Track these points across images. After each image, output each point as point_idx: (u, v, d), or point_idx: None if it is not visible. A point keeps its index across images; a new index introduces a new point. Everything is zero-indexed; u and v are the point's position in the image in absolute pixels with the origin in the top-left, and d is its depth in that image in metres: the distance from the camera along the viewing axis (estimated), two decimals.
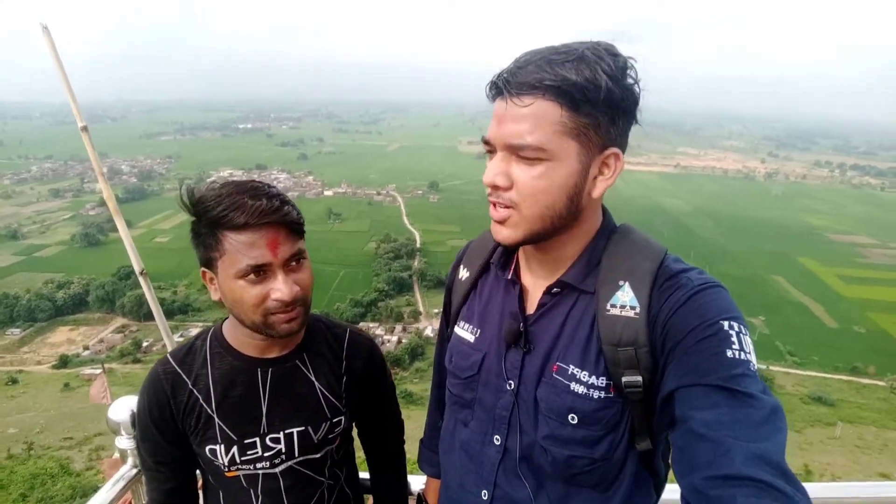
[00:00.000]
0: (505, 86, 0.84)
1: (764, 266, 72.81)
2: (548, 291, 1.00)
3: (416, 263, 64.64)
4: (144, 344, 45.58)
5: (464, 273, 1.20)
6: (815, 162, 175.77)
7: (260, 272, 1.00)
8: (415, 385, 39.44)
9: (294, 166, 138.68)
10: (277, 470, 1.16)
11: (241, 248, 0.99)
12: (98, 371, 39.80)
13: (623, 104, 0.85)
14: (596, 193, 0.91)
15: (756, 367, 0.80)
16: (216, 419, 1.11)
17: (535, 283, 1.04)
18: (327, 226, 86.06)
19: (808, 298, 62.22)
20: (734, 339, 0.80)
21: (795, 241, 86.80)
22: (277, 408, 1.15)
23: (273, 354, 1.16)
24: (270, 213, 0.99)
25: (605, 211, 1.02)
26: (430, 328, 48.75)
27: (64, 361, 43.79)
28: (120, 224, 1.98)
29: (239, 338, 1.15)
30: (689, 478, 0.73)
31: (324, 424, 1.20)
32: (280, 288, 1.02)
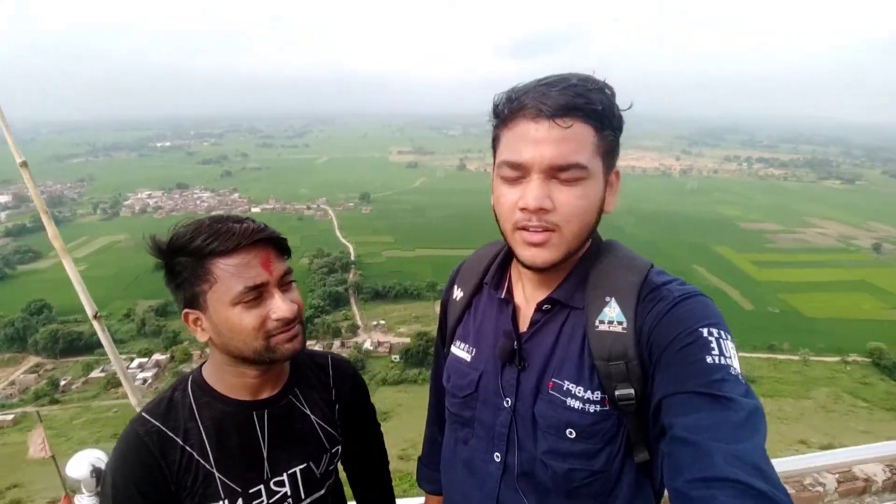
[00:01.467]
0: (543, 108, 0.85)
1: (684, 257, 76.52)
2: (539, 309, 1.02)
3: (351, 276, 63.41)
4: (62, 382, 41.98)
5: (458, 293, 1.22)
6: (724, 157, 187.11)
7: (257, 294, 0.97)
8: None
9: (218, 184, 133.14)
10: None
11: (234, 271, 0.95)
12: (11, 416, 36.55)
13: (622, 129, 0.93)
14: (609, 209, 0.97)
15: (738, 371, 0.81)
16: (216, 474, 1.03)
17: (528, 301, 1.06)
18: None
19: (725, 284, 65.72)
20: (713, 345, 0.82)
21: (711, 231, 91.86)
22: (278, 449, 1.10)
23: (266, 395, 1.11)
24: (259, 231, 0.98)
25: None
26: (368, 341, 47.96)
27: None
28: (68, 265, 1.80)
29: (227, 381, 1.08)
30: (673, 482, 0.75)
31: (324, 457, 1.18)
32: (280, 306, 0.99)
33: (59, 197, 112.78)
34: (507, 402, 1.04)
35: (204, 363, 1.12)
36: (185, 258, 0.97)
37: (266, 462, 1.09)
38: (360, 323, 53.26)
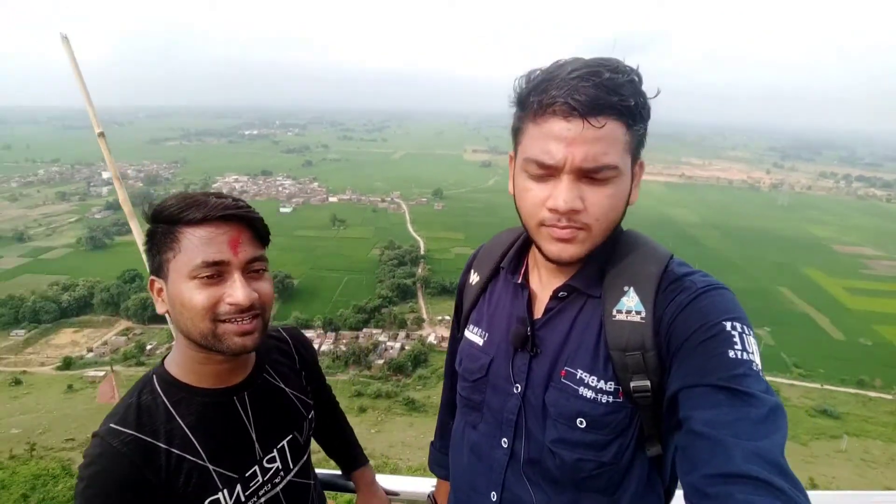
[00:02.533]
0: (577, 105, 0.82)
1: (769, 277, 72.44)
2: (555, 296, 1.01)
3: (419, 270, 64.49)
4: (148, 347, 45.54)
5: (474, 277, 1.22)
6: (820, 173, 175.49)
7: (215, 273, 0.93)
8: (418, 392, 39.34)
9: (299, 172, 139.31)
10: (279, 489, 1.12)
11: (197, 243, 0.92)
12: (102, 373, 39.89)
13: (649, 119, 0.90)
14: (633, 200, 0.95)
15: (759, 367, 0.79)
16: (211, 468, 1.01)
17: (544, 288, 1.05)
18: (331, 232, 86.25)
19: (813, 310, 61.80)
20: (736, 339, 0.80)
21: (801, 251, 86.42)
22: (265, 428, 1.10)
23: (240, 378, 1.08)
24: (234, 208, 0.95)
25: None
26: (433, 335, 48.62)
27: (67, 363, 43.73)
28: (135, 228, 1.93)
29: (197, 371, 1.03)
30: (689, 476, 0.74)
31: (305, 424, 1.20)
32: (236, 291, 0.93)
33: (154, 176, 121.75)
34: (517, 388, 1.03)
35: (163, 360, 1.07)
36: (160, 224, 0.95)
37: (256, 443, 1.08)
38: (425, 316, 54.06)
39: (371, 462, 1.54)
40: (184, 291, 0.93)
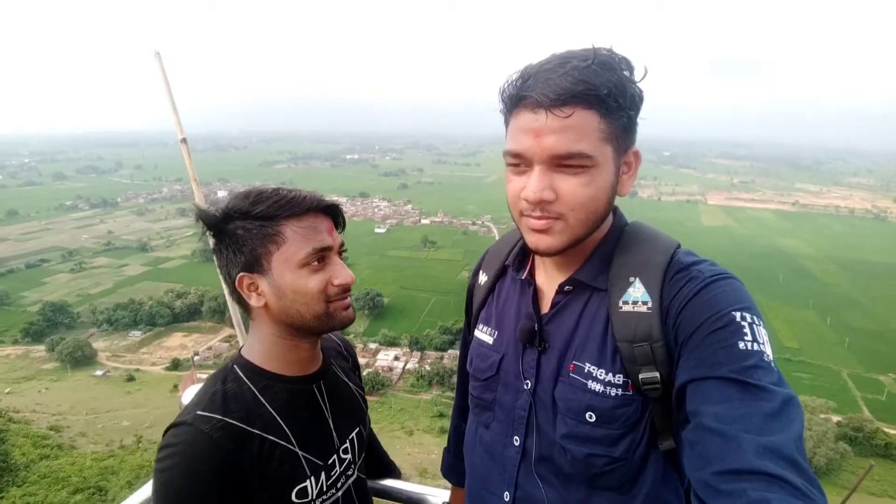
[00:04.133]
0: (541, 98, 0.83)
1: (893, 317, 64.01)
2: (560, 290, 1.00)
3: None
4: None
5: (482, 277, 1.22)
6: None
7: (321, 258, 0.99)
8: None
9: (394, 195, 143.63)
10: (351, 481, 1.14)
11: (305, 233, 0.97)
12: (206, 376, 42.31)
13: (640, 103, 0.88)
14: (624, 192, 0.94)
15: (770, 358, 0.78)
16: (300, 454, 1.02)
17: (550, 283, 1.04)
18: (422, 253, 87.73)
19: None
20: (746, 329, 0.79)
21: None
22: (339, 418, 1.13)
23: (315, 367, 1.12)
24: (324, 200, 1.03)
25: (615, 208, 1.02)
26: None
27: (176, 364, 47.22)
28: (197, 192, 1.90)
29: (281, 358, 1.06)
30: (699, 473, 0.72)
31: (366, 419, 1.24)
32: (342, 272, 1.01)
33: None
34: (528, 384, 1.02)
35: (239, 351, 1.09)
36: (247, 221, 0.97)
37: (334, 432, 1.11)
38: None
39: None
40: (298, 280, 0.97)
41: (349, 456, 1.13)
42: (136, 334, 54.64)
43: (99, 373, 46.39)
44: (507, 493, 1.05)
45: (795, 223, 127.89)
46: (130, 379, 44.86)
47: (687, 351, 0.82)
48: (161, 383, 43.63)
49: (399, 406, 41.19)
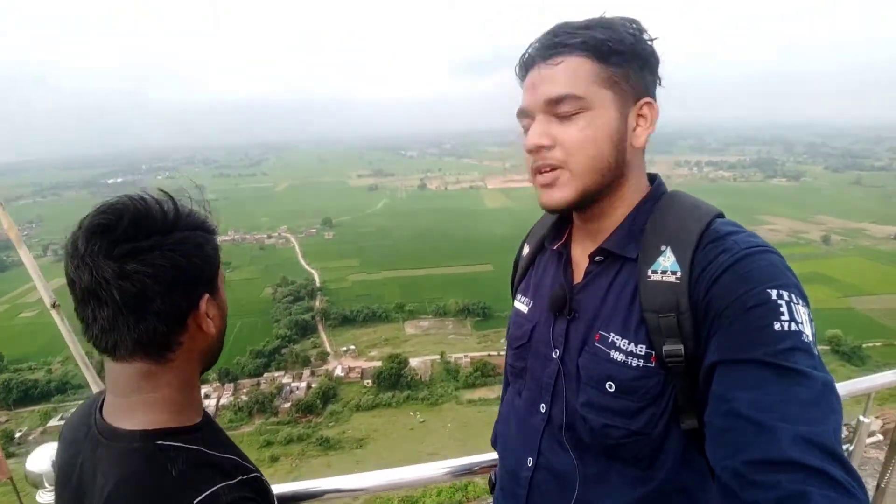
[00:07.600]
0: (535, 54, 0.90)
1: None
2: (592, 260, 1.01)
3: (317, 303, 62.11)
4: (17, 434, 39.51)
5: (525, 249, 1.25)
6: (675, 162, 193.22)
7: None
8: (331, 429, 37.57)
9: None
10: None
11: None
12: None
13: (651, 59, 0.91)
14: (638, 143, 0.93)
15: (810, 339, 0.73)
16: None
17: (583, 253, 1.04)
18: None
19: None
20: (783, 308, 0.74)
21: None
22: None
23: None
24: None
25: (654, 178, 1.03)
26: (339, 368, 46.83)
27: None
28: (24, 254, 1.70)
29: (196, 404, 0.94)
30: (728, 461, 0.69)
31: None
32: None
33: (4, 242, 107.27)
34: (556, 352, 1.02)
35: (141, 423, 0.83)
36: (205, 234, 0.93)
37: None
38: (329, 350, 52.04)
39: None
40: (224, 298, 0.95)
41: None
42: None
43: None
44: (530, 458, 1.06)
45: None
46: None
47: (718, 329, 0.79)
48: None
49: None
